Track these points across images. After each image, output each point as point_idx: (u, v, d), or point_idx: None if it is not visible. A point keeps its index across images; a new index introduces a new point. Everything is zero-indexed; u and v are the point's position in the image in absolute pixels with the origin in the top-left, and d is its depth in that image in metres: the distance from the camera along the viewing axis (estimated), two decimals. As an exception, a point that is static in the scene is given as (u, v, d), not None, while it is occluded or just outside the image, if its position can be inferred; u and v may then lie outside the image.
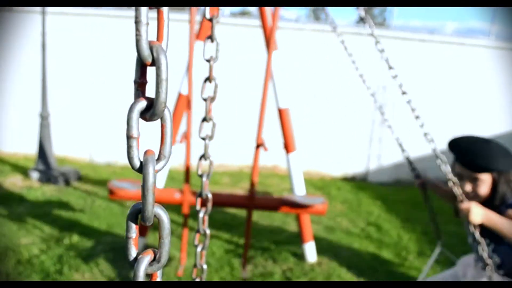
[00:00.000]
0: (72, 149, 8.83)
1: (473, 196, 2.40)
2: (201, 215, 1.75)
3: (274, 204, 4.32)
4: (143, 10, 0.58)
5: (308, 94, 8.48)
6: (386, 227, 6.19)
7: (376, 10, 11.86)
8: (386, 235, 5.93)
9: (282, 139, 4.65)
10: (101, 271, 4.36)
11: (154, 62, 0.61)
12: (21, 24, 8.47)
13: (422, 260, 5.18)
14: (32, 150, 8.16)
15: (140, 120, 0.65)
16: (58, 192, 6.78)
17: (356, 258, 5.09)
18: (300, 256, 4.98)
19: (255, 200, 4.11)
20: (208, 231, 1.76)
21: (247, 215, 4.16)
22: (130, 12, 8.70)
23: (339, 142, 8.75)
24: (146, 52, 0.59)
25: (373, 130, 8.66)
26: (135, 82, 0.63)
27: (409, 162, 3.47)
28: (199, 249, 1.76)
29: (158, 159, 0.66)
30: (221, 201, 4.26)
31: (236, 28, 8.31)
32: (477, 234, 2.22)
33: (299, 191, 4.69)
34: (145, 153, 0.64)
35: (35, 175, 7.26)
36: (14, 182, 7.09)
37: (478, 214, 2.18)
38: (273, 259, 4.89)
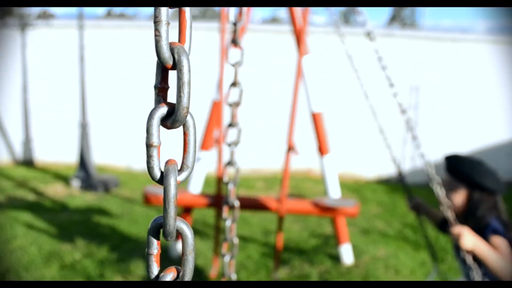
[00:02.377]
0: (111, 157, 9.07)
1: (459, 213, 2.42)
2: (228, 223, 1.65)
3: (305, 207, 4.32)
4: (163, 9, 0.54)
5: (340, 96, 8.48)
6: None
7: (407, 10, 11.74)
8: (422, 236, 5.86)
9: (316, 143, 4.67)
10: (141, 274, 4.47)
11: (175, 65, 0.57)
12: (58, 39, 8.79)
13: (460, 261, 5.11)
14: (72, 158, 8.42)
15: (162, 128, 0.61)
16: (98, 199, 6.98)
17: (393, 260, 5.04)
18: (336, 258, 4.98)
19: (285, 203, 4.12)
20: (236, 240, 1.69)
21: (278, 219, 4.19)
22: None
23: (372, 144, 8.70)
24: (166, 54, 0.56)
25: (406, 131, 8.58)
26: (155, 87, 0.59)
27: (404, 185, 3.45)
28: (227, 258, 1.66)
29: (181, 170, 0.61)
30: (252, 205, 4.29)
31: (267, 34, 8.40)
32: (470, 259, 2.18)
33: (334, 194, 4.69)
34: (167, 163, 0.61)
35: (75, 183, 7.50)
36: (56, 190, 7.34)
37: (469, 240, 2.15)
38: (309, 262, 4.91)
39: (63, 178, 7.98)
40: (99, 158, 8.63)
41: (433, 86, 8.19)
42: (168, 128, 0.61)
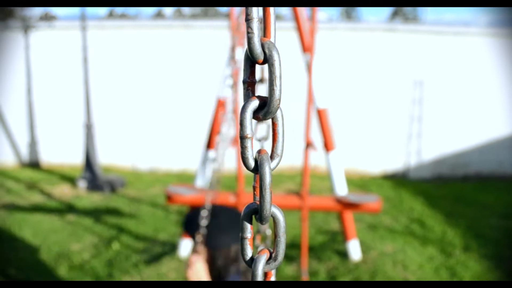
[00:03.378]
0: (116, 157, 9.10)
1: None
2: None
3: (328, 203, 4.30)
4: (254, 8, 0.57)
5: (344, 92, 8.47)
6: (429, 223, 6.12)
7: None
8: (430, 231, 5.87)
9: (322, 139, 4.67)
10: (149, 274, 4.50)
11: (265, 60, 0.59)
12: (61, 40, 8.81)
13: (469, 255, 5.11)
14: (78, 160, 8.46)
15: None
16: (104, 199, 7.01)
17: (401, 255, 5.05)
18: (343, 254, 4.99)
19: (308, 200, 4.11)
20: (269, 232, 1.75)
21: (302, 216, 4.16)
22: (165, 22, 8.91)
23: (377, 139, 8.70)
24: (258, 49, 0.58)
25: (411, 126, 8.57)
26: (244, 82, 0.62)
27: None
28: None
29: (272, 158, 0.64)
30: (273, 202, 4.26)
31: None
32: None
33: (341, 191, 4.69)
34: (259, 152, 0.63)
35: (82, 184, 7.52)
36: (63, 192, 7.37)
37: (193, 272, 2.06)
38: (317, 258, 4.92)
39: (70, 179, 8.01)
40: (104, 158, 8.65)
41: (437, 80, 8.18)
42: (259, 120, 0.63)
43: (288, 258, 4.91)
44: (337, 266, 4.75)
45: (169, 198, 4.21)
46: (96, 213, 6.29)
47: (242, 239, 0.65)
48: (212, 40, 8.36)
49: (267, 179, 0.60)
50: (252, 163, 0.62)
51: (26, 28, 8.85)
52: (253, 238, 1.62)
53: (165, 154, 8.99)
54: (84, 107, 7.61)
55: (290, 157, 8.82)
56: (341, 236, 5.14)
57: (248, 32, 0.57)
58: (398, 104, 8.44)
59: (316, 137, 4.68)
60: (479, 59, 8.34)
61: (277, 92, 0.59)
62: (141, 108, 8.92)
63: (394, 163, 8.91)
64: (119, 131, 8.98)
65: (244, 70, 0.61)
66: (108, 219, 6.09)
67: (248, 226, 0.65)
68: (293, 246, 5.23)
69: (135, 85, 8.79)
